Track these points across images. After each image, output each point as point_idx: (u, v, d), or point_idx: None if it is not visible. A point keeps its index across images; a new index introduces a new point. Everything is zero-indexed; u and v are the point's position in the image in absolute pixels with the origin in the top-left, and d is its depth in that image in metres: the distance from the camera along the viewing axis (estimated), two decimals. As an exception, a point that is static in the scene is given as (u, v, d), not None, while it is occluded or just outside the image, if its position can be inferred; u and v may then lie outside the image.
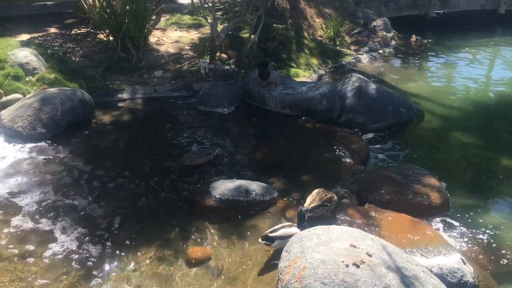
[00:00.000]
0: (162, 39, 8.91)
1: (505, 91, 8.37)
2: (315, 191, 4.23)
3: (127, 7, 7.88)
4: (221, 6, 10.18)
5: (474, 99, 7.81)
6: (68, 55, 7.83)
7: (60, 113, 5.77)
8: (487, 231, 4.37)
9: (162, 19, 9.87)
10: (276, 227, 3.85)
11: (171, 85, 7.33)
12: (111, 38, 8.01)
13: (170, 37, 9.10)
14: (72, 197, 4.54)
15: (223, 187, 4.54)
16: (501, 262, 4.02)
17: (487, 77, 9.44)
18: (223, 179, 4.80)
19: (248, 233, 4.10)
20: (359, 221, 4.17)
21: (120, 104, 6.78)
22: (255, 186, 4.55)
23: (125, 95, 6.98)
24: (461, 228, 4.40)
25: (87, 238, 3.99)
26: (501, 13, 13.11)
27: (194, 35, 9.24)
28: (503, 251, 4.13)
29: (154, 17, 8.91)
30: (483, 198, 4.98)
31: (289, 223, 3.94)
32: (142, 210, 4.41)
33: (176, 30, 9.51)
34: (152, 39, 8.71)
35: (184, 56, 8.27)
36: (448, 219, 4.51)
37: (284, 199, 4.55)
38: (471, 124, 6.83)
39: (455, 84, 8.63)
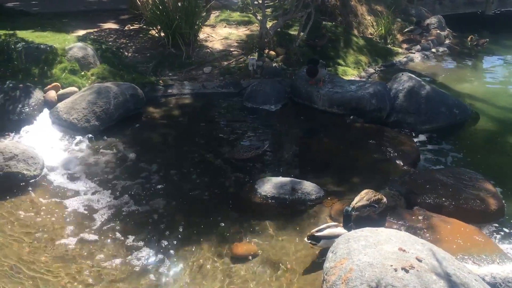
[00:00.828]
0: (211, 36, 9.01)
1: None
2: (364, 191, 4.16)
3: (179, 4, 8.02)
4: (271, 3, 10.17)
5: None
6: (121, 50, 8.05)
7: (112, 107, 5.94)
8: (546, 240, 4.16)
9: (212, 15, 9.97)
10: (322, 226, 3.81)
11: (219, 81, 7.40)
12: (162, 34, 8.18)
13: (219, 34, 9.18)
14: (122, 189, 4.67)
15: (270, 184, 4.55)
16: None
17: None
18: (270, 176, 4.81)
19: (294, 231, 4.09)
20: (408, 224, 4.07)
21: (169, 99, 6.91)
22: (301, 185, 4.52)
23: (174, 90, 7.11)
24: (516, 237, 4.20)
25: (135, 231, 4.09)
26: None
27: (243, 32, 9.28)
28: (562, 263, 3.91)
29: (204, 14, 9.01)
30: (542, 206, 4.72)
31: (335, 223, 3.89)
32: (190, 205, 4.47)
33: (225, 26, 9.59)
34: (201, 35, 8.82)
35: (233, 52, 8.32)
36: (503, 226, 4.32)
37: (330, 198, 4.50)
38: (528, 127, 6.51)
39: (511, 86, 8.25)
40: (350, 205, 4.04)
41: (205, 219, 4.25)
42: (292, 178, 4.65)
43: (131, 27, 9.08)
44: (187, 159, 5.27)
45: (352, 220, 3.87)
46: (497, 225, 4.33)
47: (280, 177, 4.71)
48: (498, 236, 4.18)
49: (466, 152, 5.82)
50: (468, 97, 7.46)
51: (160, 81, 7.26)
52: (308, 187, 4.51)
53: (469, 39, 10.52)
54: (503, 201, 4.58)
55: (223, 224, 4.17)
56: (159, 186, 4.72)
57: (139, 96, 6.36)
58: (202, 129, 6.03)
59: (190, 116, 6.44)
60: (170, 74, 7.61)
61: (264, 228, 4.13)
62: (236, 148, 5.28)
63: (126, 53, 8.03)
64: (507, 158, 5.67)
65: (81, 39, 7.67)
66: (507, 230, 4.28)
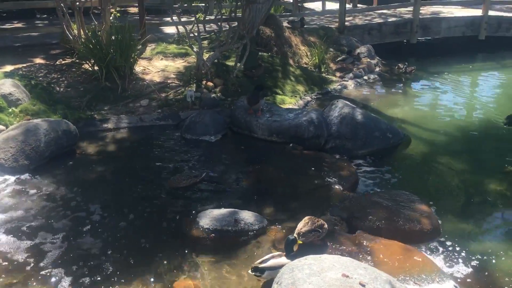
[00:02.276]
0: (148, 68, 8.91)
1: (487, 115, 8.46)
2: (307, 217, 4.18)
3: (113, 37, 7.89)
4: (207, 35, 10.24)
5: (459, 123, 7.87)
6: (52, 85, 7.76)
7: (43, 144, 5.66)
8: (479, 256, 4.32)
9: (148, 48, 9.88)
10: (265, 257, 3.76)
11: (157, 113, 7.29)
12: (96, 68, 7.98)
13: (156, 66, 9.09)
14: (53, 231, 4.40)
15: (211, 216, 4.46)
16: (493, 286, 3.95)
17: (470, 101, 9.56)
18: (211, 208, 4.72)
19: (238, 264, 4.00)
20: (350, 249, 4.10)
21: (105, 134, 6.70)
22: (244, 215, 4.47)
23: (110, 125, 6.91)
24: (453, 253, 4.34)
25: (70, 273, 3.84)
26: (481, 39, 13.39)
27: (180, 64, 9.25)
28: (495, 276, 4.07)
29: (139, 47, 8.92)
30: (473, 223, 4.94)
31: (279, 253, 3.85)
32: (128, 243, 4.28)
33: (162, 59, 9.52)
34: (138, 68, 8.70)
35: (170, 84, 8.25)
36: (440, 245, 4.45)
37: (274, 227, 4.47)
38: (456, 149, 6.86)
39: (440, 109, 8.70)
40: (295, 232, 4.03)
41: (144, 258, 4.07)
42: (234, 209, 4.59)
43: (63, 62, 8.80)
44: (124, 195, 5.08)
45: (296, 248, 3.84)
46: (434, 244, 4.47)
47: (222, 208, 4.64)
48: (436, 255, 4.31)
49: (401, 174, 6.02)
50: (399, 122, 7.78)
51: (95, 116, 7.04)
52: (251, 217, 4.46)
53: (396, 67, 11.07)
54: (439, 221, 4.75)
55: (163, 262, 4.01)
56: (92, 226, 4.50)
57: (72, 132, 6.11)
58: (140, 163, 5.86)
59: (127, 151, 6.26)
60: (105, 108, 7.40)
61: (207, 263, 4.01)
62: (174, 177, 5.21)
63: (58, 88, 7.74)
64: (439, 178, 5.91)
65: (8, 75, 7.33)
66: (443, 249, 4.41)
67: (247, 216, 4.46)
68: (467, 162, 6.39)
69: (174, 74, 8.67)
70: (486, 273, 4.11)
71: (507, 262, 4.27)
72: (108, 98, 7.60)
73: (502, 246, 4.53)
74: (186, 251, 4.15)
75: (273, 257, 3.73)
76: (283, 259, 3.67)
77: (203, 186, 5.30)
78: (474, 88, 10.68)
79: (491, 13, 13.57)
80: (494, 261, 4.28)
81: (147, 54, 9.67)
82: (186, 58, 9.50)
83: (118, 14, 10.43)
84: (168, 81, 8.36)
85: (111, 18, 9.02)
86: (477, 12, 13.57)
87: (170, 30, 11.80)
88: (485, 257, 4.30)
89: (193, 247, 4.22)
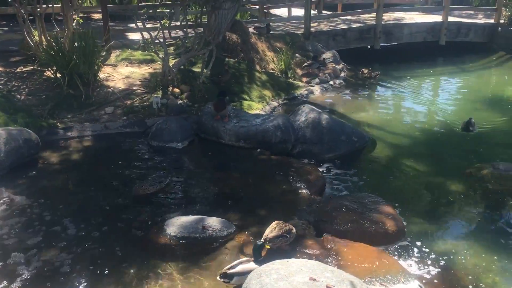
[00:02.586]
0: (112, 75, 8.77)
1: (448, 118, 8.72)
2: (275, 222, 4.20)
3: (76, 44, 7.74)
4: (173, 42, 10.18)
5: (421, 126, 8.07)
6: (13, 93, 7.54)
7: (3, 154, 5.49)
8: (442, 255, 4.43)
9: (112, 55, 9.74)
10: (234, 263, 3.75)
11: (122, 121, 7.18)
12: (58, 75, 7.81)
13: (121, 73, 8.96)
14: (16, 243, 4.26)
15: (178, 223, 4.42)
16: (457, 285, 4.06)
17: (432, 105, 9.83)
18: (179, 215, 4.68)
19: (206, 271, 3.97)
20: (318, 253, 4.14)
21: (69, 143, 6.56)
22: (211, 221, 4.45)
23: (74, 133, 6.76)
24: (417, 254, 4.44)
25: (34, 286, 3.73)
26: (442, 44, 13.80)
27: (145, 70, 9.15)
28: (459, 276, 4.18)
29: (104, 53, 8.78)
30: (436, 223, 5.06)
31: (247, 258, 3.85)
32: (94, 253, 4.19)
33: (127, 65, 9.40)
34: (102, 75, 8.55)
35: (136, 91, 8.15)
36: (405, 246, 4.55)
37: (242, 233, 4.47)
38: (419, 151, 7.02)
39: (403, 113, 8.91)
40: (262, 237, 4.04)
41: (111, 268, 4.00)
42: (202, 216, 4.57)
43: (24, 69, 8.56)
44: (90, 205, 4.98)
45: (264, 253, 3.85)
46: (399, 245, 4.55)
47: (190, 215, 4.60)
48: (402, 256, 4.39)
49: (367, 177, 6.12)
50: (365, 125, 7.92)
51: (58, 124, 6.88)
52: (218, 223, 4.45)
53: (360, 72, 11.27)
54: (403, 222, 4.85)
55: (131, 272, 3.95)
56: (57, 237, 4.39)
57: (33, 141, 5.95)
58: (105, 172, 5.76)
59: (92, 159, 6.14)
60: (69, 116, 7.24)
61: (175, 271, 3.97)
62: (138, 184, 5.17)
63: (19, 96, 7.53)
64: (404, 180, 6.05)
65: (-35, 83, 7.09)
66: (409, 249, 4.51)
67: (215, 223, 4.44)
68: (429, 164, 6.55)
69: (139, 81, 8.56)
70: (450, 272, 4.21)
71: (469, 261, 4.39)
72: (71, 105, 7.44)
73: (464, 245, 4.66)
74: (154, 260, 4.09)
75: (241, 263, 3.73)
76: (251, 265, 3.67)
77: (171, 193, 5.26)
78: (436, 92, 10.99)
79: (451, 19, 14.01)
80: (457, 260, 4.40)
81: (111, 60, 9.52)
82: (152, 65, 9.40)
83: (81, 20, 10.23)
84: (134, 88, 8.25)
85: (73, 24, 8.84)
86: (438, 18, 13.98)
87: (135, 36, 11.65)
88: (448, 257, 4.41)
89: (161, 255, 4.17)
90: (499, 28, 14.03)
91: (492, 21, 14.31)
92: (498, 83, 11.64)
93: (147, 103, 7.69)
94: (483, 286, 4.07)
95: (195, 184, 5.52)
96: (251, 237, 4.39)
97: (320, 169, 6.11)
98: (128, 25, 12.35)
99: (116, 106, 7.60)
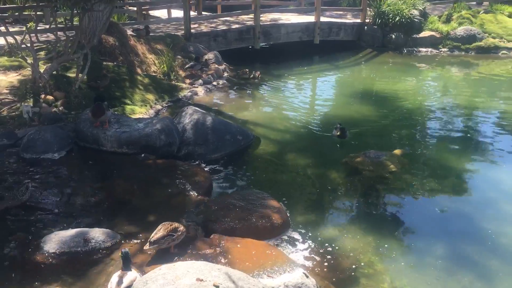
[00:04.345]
0: (-26, 84, 7.95)
1: (326, 112, 9.30)
2: (160, 224, 4.13)
3: None
4: (43, 46, 9.50)
5: (302, 122, 8.48)
6: None
7: None
8: (325, 243, 4.71)
9: (-27, 62, 8.83)
10: (113, 277, 3.56)
11: (-12, 134, 6.54)
12: None
13: (-16, 81, 8.16)
14: None
15: (57, 239, 4.16)
16: (340, 270, 4.35)
17: (311, 100, 10.40)
18: (57, 230, 4.39)
19: (93, 285, 3.77)
20: (207, 253, 4.15)
21: None
22: (94, 233, 4.24)
23: None
24: (302, 244, 4.67)
25: None
26: (316, 43, 14.61)
27: (13, 77, 8.43)
28: (340, 260, 4.48)
29: (-39, 60, 7.93)
30: (318, 212, 5.36)
31: (124, 271, 3.63)
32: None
33: (-9, 73, 8.58)
34: (-39, 84, 7.71)
35: (3, 100, 7.46)
36: (290, 237, 4.76)
37: (129, 241, 4.32)
38: (301, 146, 7.38)
39: (285, 110, 9.26)
40: (149, 239, 3.96)
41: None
42: (83, 229, 4.34)
43: None
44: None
45: (152, 257, 3.75)
46: (285, 236, 4.76)
47: (70, 229, 4.34)
48: (287, 247, 4.59)
49: (252, 174, 6.28)
50: (249, 124, 8.11)
51: None
52: (102, 234, 4.26)
53: (241, 72, 11.48)
54: (288, 214, 5.06)
55: (4, 297, 3.62)
56: None
57: None
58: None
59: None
60: None
61: (56, 290, 3.72)
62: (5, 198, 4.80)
63: None
64: (288, 174, 6.31)
65: None
66: (293, 240, 4.73)
67: (98, 234, 4.24)
68: (310, 157, 6.91)
69: (7, 89, 7.86)
70: (332, 257, 4.50)
71: (348, 244, 4.73)
72: None
73: (343, 230, 5.01)
74: (33, 282, 3.79)
75: (121, 276, 3.55)
76: (131, 274, 3.53)
77: (47, 207, 4.91)
78: (314, 88, 11.62)
79: (323, 19, 14.88)
80: (337, 245, 4.71)
81: (-28, 68, 8.63)
82: (21, 71, 8.68)
83: None
84: (1, 97, 7.56)
85: None
86: (311, 18, 14.76)
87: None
88: (329, 243, 4.71)
89: (41, 275, 3.87)
90: (365, 27, 15.22)
91: (359, 20, 15.48)
92: (367, 78, 12.64)
93: (16, 113, 7.09)
94: (361, 265, 4.40)
95: (75, 196, 5.22)
96: (138, 244, 4.26)
97: (207, 170, 6.14)
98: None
99: (-20, 118, 6.90)
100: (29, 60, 7.63)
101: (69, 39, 7.85)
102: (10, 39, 8.13)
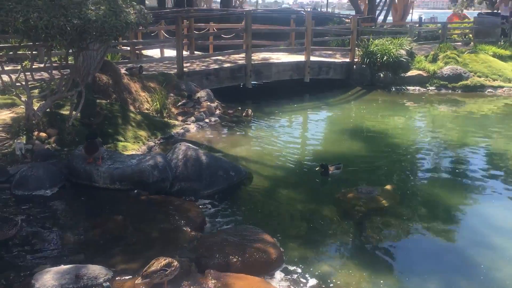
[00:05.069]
0: (-34, 122, 7.97)
1: (317, 148, 9.40)
2: (154, 259, 4.12)
3: None
4: (37, 84, 9.60)
5: (294, 158, 8.55)
6: None
7: None
8: (318, 276, 4.70)
9: (-34, 99, 8.88)
10: None
11: (-20, 171, 6.51)
12: None
13: (-24, 119, 8.19)
14: None
15: (49, 276, 4.09)
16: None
17: (302, 137, 10.53)
18: (49, 266, 4.33)
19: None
20: (201, 289, 4.11)
21: None
22: (86, 270, 4.19)
23: None
24: (297, 279, 4.65)
25: None
26: (306, 81, 14.89)
27: (6, 115, 8.48)
28: (334, 294, 4.46)
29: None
30: (312, 247, 5.35)
31: None
32: None
33: (-17, 110, 8.62)
34: (-47, 122, 7.74)
35: (-5, 138, 7.48)
36: (284, 272, 4.74)
37: (121, 278, 4.27)
38: (294, 181, 7.42)
39: (276, 147, 9.33)
40: (141, 273, 3.95)
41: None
42: (75, 265, 4.29)
43: None
44: None
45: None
46: (278, 272, 4.74)
47: (62, 265, 4.29)
48: (281, 282, 4.56)
49: (246, 210, 6.29)
50: (242, 160, 8.16)
51: None
52: (95, 270, 4.21)
53: (234, 111, 11.61)
54: (281, 249, 5.05)
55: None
56: None
57: None
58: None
59: None
60: None
61: (47, 328, 3.64)
62: None
63: None
64: (281, 209, 6.33)
65: None
66: (287, 275, 4.72)
67: (90, 271, 4.19)
68: (302, 192, 6.95)
69: (0, 126, 7.89)
70: (326, 292, 4.47)
71: (342, 279, 4.72)
72: None
73: (337, 265, 5.00)
74: (20, 320, 3.72)
75: None
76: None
77: (38, 244, 4.86)
78: (305, 126, 11.78)
79: (313, 58, 15.21)
80: (331, 279, 4.69)
81: (-36, 106, 8.67)
82: (13, 109, 8.76)
83: None
84: (-7, 134, 7.57)
85: None
86: (301, 57, 15.10)
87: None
88: (323, 278, 4.69)
89: (30, 313, 3.81)
90: (354, 66, 15.60)
91: (348, 60, 15.87)
92: (358, 115, 12.85)
93: (8, 150, 7.09)
94: (356, 301, 4.37)
95: (68, 232, 5.17)
96: (131, 281, 4.21)
97: (200, 205, 6.14)
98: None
99: (-29, 155, 6.89)
100: (23, 98, 7.69)
101: (64, 77, 7.95)
102: (5, 77, 8.24)
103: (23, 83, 7.75)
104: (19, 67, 8.26)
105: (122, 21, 6.75)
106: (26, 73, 7.88)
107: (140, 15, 7.30)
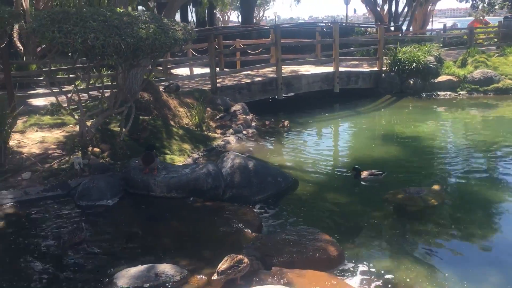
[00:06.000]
0: (22, 141, 8.40)
1: (354, 153, 9.58)
2: (226, 256, 4.35)
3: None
4: (89, 103, 10.05)
5: (333, 163, 8.78)
6: None
7: None
8: (380, 273, 4.83)
9: (19, 121, 9.33)
10: None
11: (43, 185, 6.87)
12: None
13: (31, 139, 8.61)
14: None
15: (129, 275, 4.35)
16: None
17: (338, 144, 10.73)
18: (126, 267, 4.59)
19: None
20: (272, 284, 4.30)
21: (-14, 213, 6.12)
22: (163, 268, 4.44)
23: (-9, 202, 6.33)
24: (360, 274, 4.80)
25: None
26: (336, 91, 15.10)
27: (58, 134, 8.89)
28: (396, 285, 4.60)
29: (10, 120, 8.41)
30: (369, 246, 5.49)
31: None
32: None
33: (37, 131, 9.05)
34: (11, 142, 8.16)
35: (52, 155, 7.86)
36: (347, 268, 4.90)
37: (195, 276, 4.50)
38: (338, 185, 7.60)
39: (314, 154, 9.52)
40: (217, 269, 4.17)
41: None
42: (152, 264, 4.53)
43: None
44: (22, 274, 4.68)
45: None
46: (342, 267, 4.91)
47: (139, 265, 4.54)
48: (347, 277, 4.73)
49: (298, 212, 6.48)
50: (284, 168, 8.38)
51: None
52: (171, 269, 4.45)
53: (268, 122, 11.85)
54: (341, 247, 5.22)
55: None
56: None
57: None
58: (31, 239, 5.45)
59: (15, 227, 5.78)
60: (-19, 186, 6.78)
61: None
62: (64, 237, 5.12)
63: None
64: (330, 211, 6.50)
65: None
66: (351, 270, 4.88)
67: (167, 269, 4.44)
68: (349, 195, 7.13)
69: (54, 145, 8.29)
70: (390, 285, 4.61)
71: (401, 274, 4.84)
72: (-17, 175, 6.99)
73: (394, 262, 5.12)
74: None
75: None
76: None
77: (111, 247, 5.14)
78: (337, 133, 11.98)
79: (341, 69, 15.45)
80: (391, 275, 4.82)
81: (18, 127, 9.12)
82: (64, 128, 9.16)
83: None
84: (49, 152, 7.96)
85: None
86: (329, 68, 15.35)
87: (38, 102, 11.30)
88: (384, 273, 4.83)
89: (115, 310, 4.06)
90: (383, 75, 15.76)
91: (375, 69, 16.05)
92: (389, 122, 12.98)
93: (66, 165, 7.46)
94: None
95: (135, 236, 5.45)
96: (204, 278, 4.44)
97: (254, 210, 6.36)
98: (28, 92, 12.02)
99: (34, 171, 7.26)
100: (76, 116, 8.09)
101: (113, 95, 8.34)
102: (52, 99, 8.66)
103: (76, 101, 8.16)
104: (64, 89, 8.68)
105: (170, 38, 7.11)
106: (80, 93, 8.28)
107: (185, 31, 7.66)
